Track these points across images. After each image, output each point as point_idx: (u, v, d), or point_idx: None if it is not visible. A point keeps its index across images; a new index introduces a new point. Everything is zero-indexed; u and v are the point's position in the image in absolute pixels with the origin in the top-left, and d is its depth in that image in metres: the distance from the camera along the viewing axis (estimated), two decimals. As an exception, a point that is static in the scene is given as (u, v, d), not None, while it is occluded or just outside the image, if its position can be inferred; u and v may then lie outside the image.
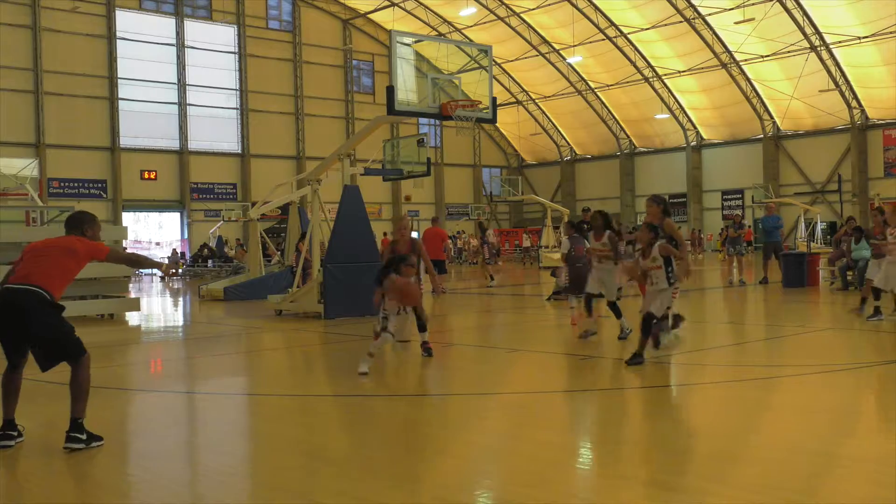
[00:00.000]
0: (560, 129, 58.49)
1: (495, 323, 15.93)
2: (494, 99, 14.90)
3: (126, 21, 45.39)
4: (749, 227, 37.40)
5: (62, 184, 42.42)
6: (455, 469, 5.69)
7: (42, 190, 30.19)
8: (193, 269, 36.73)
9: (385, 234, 37.79)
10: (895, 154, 46.05)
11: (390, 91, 13.78)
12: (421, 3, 50.07)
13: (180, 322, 18.01)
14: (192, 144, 47.53)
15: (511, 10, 49.07)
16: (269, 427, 7.08)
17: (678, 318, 10.08)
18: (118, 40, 45.01)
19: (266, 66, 50.11)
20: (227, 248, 38.99)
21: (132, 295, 20.53)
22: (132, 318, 17.44)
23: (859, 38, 41.80)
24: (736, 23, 42.50)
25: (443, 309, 16.86)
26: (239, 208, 39.41)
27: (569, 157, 59.33)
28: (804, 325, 13.49)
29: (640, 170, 56.25)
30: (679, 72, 49.05)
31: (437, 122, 28.56)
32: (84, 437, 5.99)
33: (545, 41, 51.26)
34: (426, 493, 5.06)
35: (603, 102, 54.49)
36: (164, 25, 46.93)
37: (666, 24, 45.66)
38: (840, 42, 42.82)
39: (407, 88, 14.06)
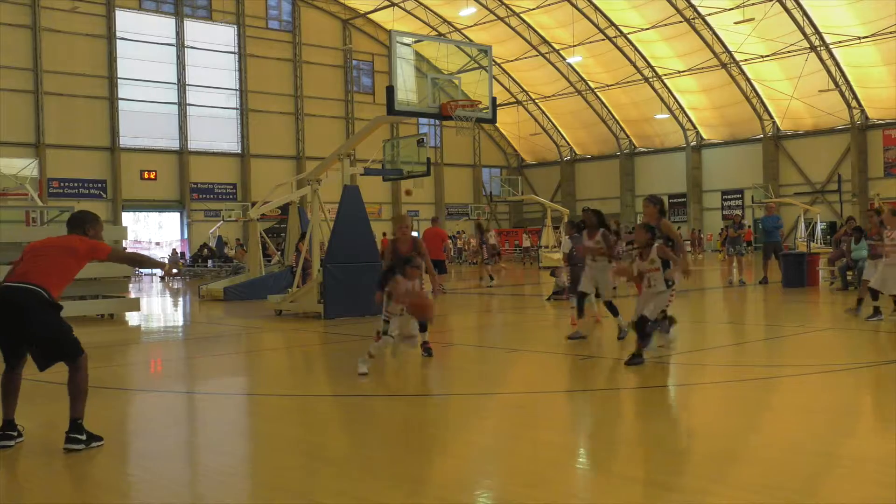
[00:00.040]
0: (560, 129, 58.49)
1: (495, 323, 15.94)
2: (494, 99, 14.90)
3: (126, 21, 45.38)
4: (749, 227, 37.39)
5: (62, 184, 42.41)
6: (455, 469, 5.69)
7: (42, 190, 30.18)
8: (193, 269, 36.73)
9: (384, 234, 37.75)
10: (895, 154, 46.05)
11: (390, 91, 13.78)
12: (421, 3, 50.07)
13: (180, 322, 18.01)
14: (192, 144, 47.53)
15: (511, 10, 49.07)
16: (269, 427, 7.08)
17: (671, 321, 10.05)
18: (118, 40, 45.00)
19: (266, 66, 50.11)
20: (227, 248, 38.98)
21: (132, 295, 20.54)
22: (132, 318, 17.44)
23: (859, 38, 41.80)
24: (736, 23, 42.50)
25: (443, 309, 16.85)
26: (239, 208, 39.41)
27: (569, 157, 59.34)
28: (804, 325, 13.49)
29: (640, 170, 56.25)
30: (679, 72, 49.05)
31: (437, 122, 28.57)
32: (84, 437, 5.99)
33: (545, 41, 51.26)
34: (426, 493, 5.06)
35: (603, 102, 54.49)
36: (163, 25, 46.92)
37: (666, 24, 45.66)
38: (840, 42, 42.82)
39: (407, 88, 14.06)
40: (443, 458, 5.94)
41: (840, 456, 5.74)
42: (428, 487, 5.18)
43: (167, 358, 12.17)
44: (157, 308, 21.64)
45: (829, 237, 40.27)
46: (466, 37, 49.70)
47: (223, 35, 49.07)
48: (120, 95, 45.00)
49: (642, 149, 55.98)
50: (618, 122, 55.28)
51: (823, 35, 42.93)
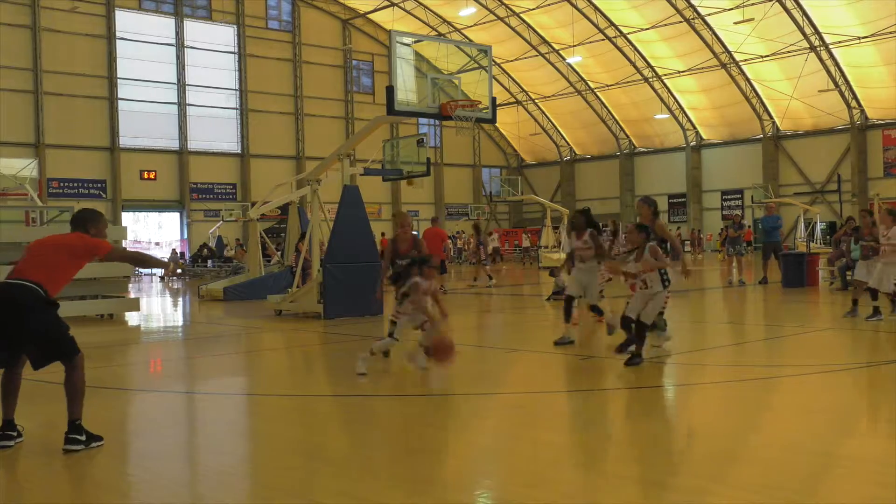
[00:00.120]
0: (560, 129, 58.49)
1: (495, 323, 15.94)
2: (494, 99, 14.89)
3: (126, 21, 45.37)
4: (749, 227, 37.40)
5: (62, 184, 42.41)
6: (455, 469, 5.69)
7: (42, 190, 30.18)
8: (193, 269, 36.72)
9: (382, 234, 37.76)
10: (894, 154, 46.06)
11: (390, 91, 13.78)
12: (420, 3, 50.07)
13: (180, 322, 18.01)
14: (192, 144, 47.52)
15: (511, 10, 49.08)
16: (268, 427, 7.08)
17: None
18: (118, 40, 45.00)
19: (266, 66, 50.11)
20: (228, 248, 38.97)
21: (132, 295, 20.54)
22: (132, 318, 17.44)
23: (859, 38, 41.81)
24: (735, 23, 42.50)
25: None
26: (238, 208, 39.38)
27: (568, 157, 59.34)
28: (804, 325, 13.50)
29: (640, 170, 56.26)
30: (679, 72, 49.06)
31: (437, 122, 28.57)
32: (83, 437, 5.97)
33: (545, 41, 51.27)
34: (426, 493, 5.06)
35: (602, 102, 54.49)
36: (163, 25, 46.92)
37: (665, 25, 45.66)
38: (840, 42, 42.83)
39: (407, 88, 14.05)
40: (443, 458, 5.94)
41: (840, 456, 5.74)
42: (428, 487, 5.18)
43: (167, 358, 12.17)
44: (157, 308, 21.64)
45: (828, 237, 40.28)
46: (466, 37, 49.71)
47: (223, 35, 49.07)
48: (120, 95, 45.00)
49: (642, 149, 55.98)
50: (617, 122, 55.28)
51: (823, 35, 42.93)
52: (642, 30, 47.06)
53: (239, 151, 49.42)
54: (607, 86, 52.69)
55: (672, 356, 9.77)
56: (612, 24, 47.89)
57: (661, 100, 51.17)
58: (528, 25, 50.57)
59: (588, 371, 9.52)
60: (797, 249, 32.97)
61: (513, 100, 55.65)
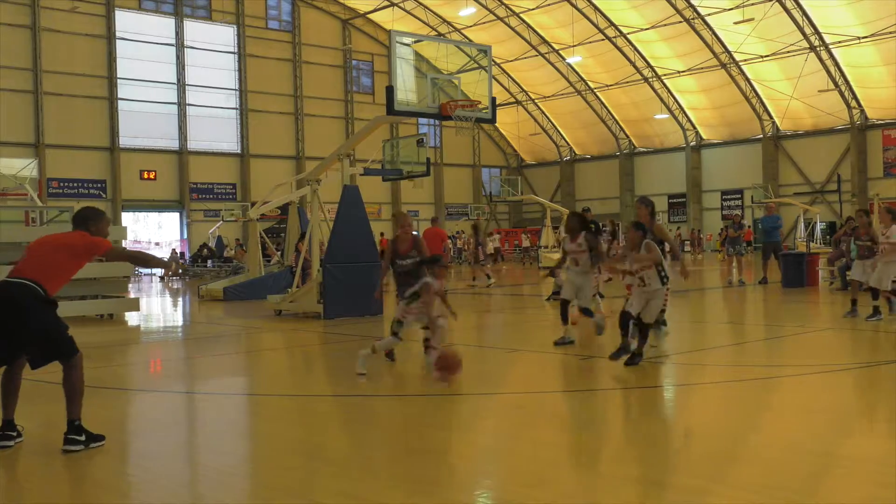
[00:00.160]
0: (559, 129, 58.50)
1: (495, 323, 15.93)
2: (494, 99, 14.89)
3: (125, 21, 45.37)
4: (748, 227, 37.40)
5: (61, 184, 42.41)
6: (455, 469, 5.69)
7: (41, 190, 30.17)
8: (193, 269, 36.72)
9: (382, 234, 37.72)
10: (894, 154, 46.06)
11: (390, 91, 13.78)
12: (420, 3, 50.07)
13: (180, 322, 18.01)
14: (192, 144, 47.52)
15: (510, 10, 49.08)
16: (268, 427, 7.08)
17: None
18: (118, 40, 44.99)
19: (265, 66, 50.11)
20: (227, 248, 38.97)
21: (132, 295, 20.53)
22: (132, 318, 17.44)
23: (859, 38, 41.82)
24: (735, 23, 42.50)
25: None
26: (238, 208, 39.33)
27: (568, 158, 59.34)
28: (804, 325, 13.50)
29: (640, 170, 56.26)
30: (678, 72, 49.06)
31: (437, 122, 28.57)
32: (82, 438, 5.96)
33: (545, 41, 51.27)
34: (426, 493, 5.06)
35: (602, 102, 54.50)
36: (163, 25, 46.92)
37: (665, 25, 45.67)
38: (839, 42, 42.83)
39: (406, 88, 14.05)
40: (443, 458, 5.94)
41: (840, 456, 5.74)
42: (428, 487, 5.17)
43: (167, 358, 12.17)
44: (157, 308, 21.64)
45: (828, 237, 40.28)
46: (466, 37, 49.71)
47: (223, 35, 49.07)
48: (120, 95, 44.99)
49: (642, 149, 55.99)
50: (617, 122, 55.28)
51: (823, 35, 42.94)
52: (642, 30, 47.06)
53: (239, 151, 49.41)
54: (607, 86, 52.70)
55: (671, 356, 9.77)
56: (612, 24, 47.89)
57: (661, 100, 51.18)
58: (528, 25, 50.57)
59: (588, 371, 9.52)
60: (797, 249, 32.96)
61: (513, 100, 55.65)
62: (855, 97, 45.61)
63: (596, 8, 46.95)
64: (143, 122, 45.61)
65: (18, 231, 19.31)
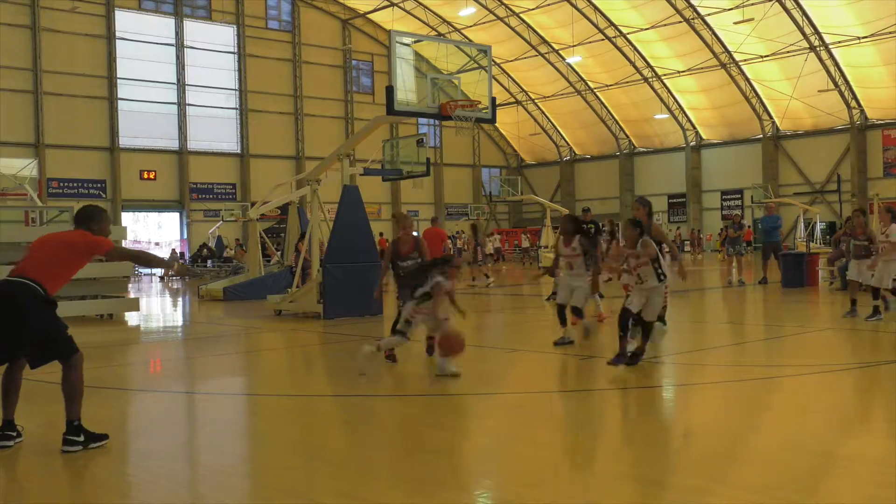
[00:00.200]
0: (559, 129, 58.50)
1: (495, 323, 15.93)
2: (494, 99, 14.89)
3: (125, 21, 45.38)
4: (748, 227, 37.40)
5: (61, 184, 42.41)
6: (455, 469, 5.69)
7: (41, 190, 30.16)
8: (193, 269, 36.65)
9: (381, 234, 37.72)
10: (894, 154, 46.07)
11: (390, 91, 13.79)
12: (420, 3, 50.07)
13: (180, 322, 18.01)
14: (192, 144, 47.52)
15: (510, 10, 49.08)
16: (268, 427, 7.08)
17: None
18: (117, 40, 45.00)
19: (265, 66, 50.11)
20: (227, 248, 38.97)
21: (131, 295, 20.53)
22: (131, 318, 17.44)
23: (858, 38, 41.82)
24: (735, 23, 42.51)
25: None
26: (238, 208, 39.34)
27: (568, 158, 59.34)
28: (804, 325, 13.50)
29: (640, 170, 56.26)
30: (678, 72, 49.06)
31: (437, 122, 28.57)
32: (80, 438, 5.95)
33: (544, 41, 51.27)
34: (426, 493, 5.06)
35: (602, 102, 54.50)
36: (163, 25, 46.92)
37: (665, 25, 45.67)
38: (839, 42, 42.84)
39: (406, 88, 14.06)
40: (443, 458, 5.93)
41: (839, 456, 5.74)
42: (428, 487, 5.17)
43: (167, 358, 12.17)
44: (157, 308, 21.64)
45: (828, 237, 40.28)
46: (466, 37, 49.71)
47: (223, 35, 49.07)
48: (119, 95, 45.00)
49: (642, 149, 55.99)
50: (617, 122, 55.29)
51: (823, 35, 42.94)
52: (642, 30, 47.06)
53: (239, 151, 49.42)
54: (607, 86, 52.70)
55: (669, 356, 9.76)
56: (611, 24, 47.89)
57: (661, 100, 51.18)
58: (528, 25, 50.57)
59: (588, 371, 9.52)
60: (797, 249, 32.96)
61: (512, 100, 55.65)
62: (855, 97, 45.62)
63: (596, 8, 46.94)
64: (143, 122, 45.62)
65: (18, 231, 19.31)
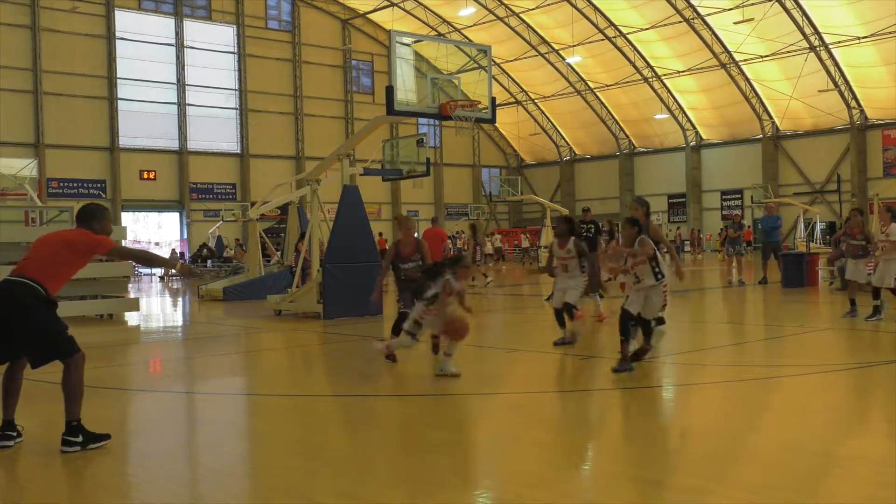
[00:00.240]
0: (559, 129, 58.50)
1: (495, 323, 15.92)
2: (494, 99, 14.90)
3: (125, 21, 45.38)
4: (748, 227, 37.40)
5: (61, 184, 42.41)
6: (455, 469, 5.69)
7: (41, 190, 30.16)
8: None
9: (380, 234, 37.70)
10: (894, 154, 46.07)
11: (390, 91, 13.79)
12: (420, 3, 50.08)
13: (179, 322, 18.01)
14: (192, 144, 47.52)
15: (510, 10, 49.08)
16: (268, 427, 7.07)
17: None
18: (117, 40, 45.00)
19: (265, 66, 50.11)
20: (227, 248, 38.96)
21: (131, 295, 20.53)
22: (131, 318, 17.43)
23: (858, 38, 41.82)
24: (735, 23, 42.51)
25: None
26: (238, 208, 39.36)
27: (568, 158, 59.35)
28: (804, 325, 13.49)
29: (640, 170, 56.27)
30: (678, 72, 49.07)
31: (437, 122, 28.56)
32: (79, 439, 5.94)
33: (544, 41, 51.27)
34: (426, 493, 5.06)
35: (602, 102, 54.50)
36: (163, 25, 46.93)
37: (665, 25, 45.67)
38: (839, 42, 42.84)
39: (406, 88, 14.06)
40: (443, 458, 5.93)
41: (839, 456, 5.74)
42: (428, 487, 5.17)
43: (167, 358, 12.17)
44: (157, 308, 21.64)
45: (828, 237, 40.28)
46: (466, 37, 49.71)
47: (222, 35, 49.08)
48: (119, 95, 45.00)
49: (642, 149, 56.00)
50: (617, 123, 55.29)
51: (823, 35, 42.95)
52: (642, 30, 47.07)
53: (238, 151, 49.42)
54: (607, 86, 52.71)
55: (669, 356, 9.76)
56: (611, 24, 47.89)
57: (661, 100, 51.18)
58: (528, 25, 50.58)
59: (588, 371, 9.52)
60: (797, 249, 32.96)
61: (512, 100, 55.65)
62: (855, 97, 45.62)
63: (596, 8, 46.95)
64: (143, 122, 45.63)
65: (18, 231, 19.31)
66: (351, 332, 13.49)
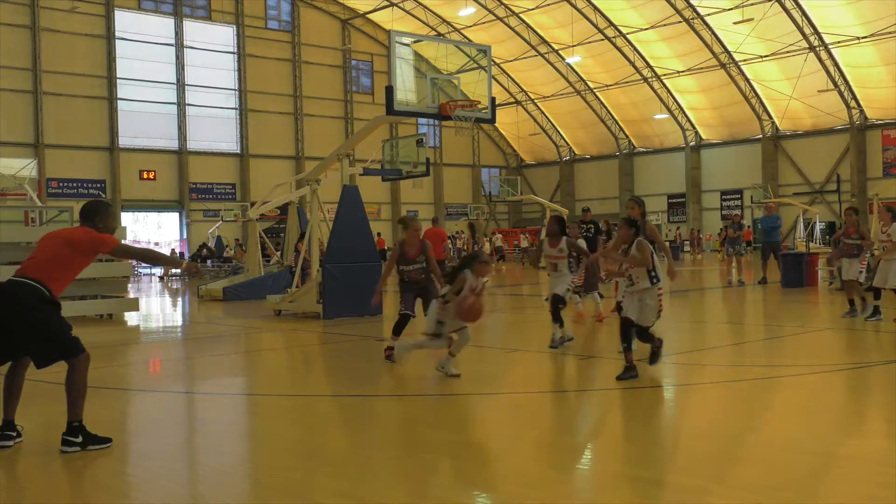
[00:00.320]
0: (559, 129, 58.50)
1: (495, 323, 15.91)
2: (493, 99, 14.89)
3: (125, 21, 45.38)
4: (748, 227, 37.40)
5: (61, 184, 42.40)
6: (455, 469, 5.69)
7: (41, 190, 30.18)
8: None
9: (378, 234, 37.70)
10: (894, 154, 46.08)
11: (389, 91, 13.79)
12: (420, 3, 50.08)
13: (179, 322, 18.00)
14: (191, 144, 47.52)
15: (510, 10, 49.08)
16: (268, 427, 7.07)
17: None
18: (117, 40, 45.00)
19: (265, 66, 50.11)
20: (227, 248, 38.96)
21: (131, 295, 20.52)
22: (131, 318, 17.43)
23: (858, 38, 41.83)
24: (735, 23, 42.52)
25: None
26: (238, 208, 39.37)
27: (568, 158, 59.35)
28: (804, 325, 13.49)
29: (640, 170, 56.28)
30: (678, 72, 49.07)
31: (437, 122, 28.57)
32: (78, 439, 5.93)
33: (544, 41, 51.28)
34: (426, 493, 5.06)
35: (602, 102, 54.51)
36: (163, 25, 46.92)
37: (665, 25, 45.68)
38: (839, 42, 42.85)
39: (406, 88, 14.06)
40: (443, 458, 5.94)
41: (839, 456, 5.74)
42: (428, 487, 5.18)
43: (167, 358, 12.17)
44: (157, 308, 21.63)
45: (828, 237, 40.28)
46: (466, 37, 49.71)
47: (222, 35, 49.07)
48: (119, 95, 45.00)
49: (641, 149, 56.00)
50: (617, 123, 55.29)
51: (822, 35, 42.95)
52: (642, 30, 47.07)
53: (238, 151, 49.42)
54: (606, 86, 52.71)
55: (669, 356, 9.74)
56: (611, 24, 47.90)
57: (661, 100, 51.19)
58: (528, 25, 50.58)
59: (588, 371, 9.52)
60: (796, 249, 32.96)
61: (512, 100, 55.65)
62: (854, 97, 45.63)
63: (595, 8, 46.95)
64: (143, 122, 45.63)
65: (18, 231, 19.30)
66: (351, 332, 13.49)
